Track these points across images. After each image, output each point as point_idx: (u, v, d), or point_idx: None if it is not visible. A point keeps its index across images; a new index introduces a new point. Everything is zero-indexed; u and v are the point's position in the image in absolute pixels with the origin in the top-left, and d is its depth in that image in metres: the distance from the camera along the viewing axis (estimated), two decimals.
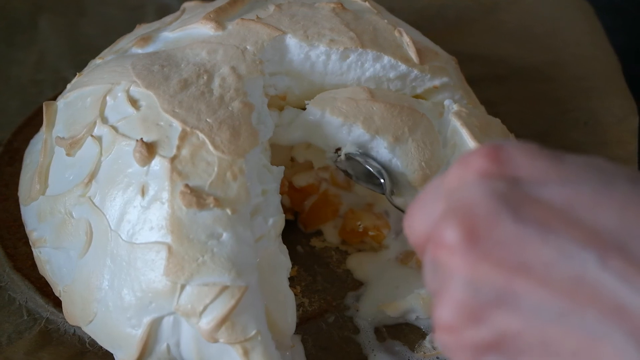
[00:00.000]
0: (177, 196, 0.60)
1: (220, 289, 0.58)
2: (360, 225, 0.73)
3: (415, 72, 0.72)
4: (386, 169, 0.66)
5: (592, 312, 0.33)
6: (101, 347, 0.66)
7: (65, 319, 0.67)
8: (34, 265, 0.71)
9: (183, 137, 0.62)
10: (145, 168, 0.62)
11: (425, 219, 0.39)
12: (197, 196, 0.59)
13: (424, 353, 0.66)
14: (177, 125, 0.62)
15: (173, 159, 0.61)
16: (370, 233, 0.73)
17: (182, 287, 0.59)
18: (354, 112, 0.67)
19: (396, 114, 0.67)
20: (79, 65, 0.80)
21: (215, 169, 0.61)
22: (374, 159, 0.67)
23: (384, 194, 0.67)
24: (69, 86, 0.73)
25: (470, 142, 0.67)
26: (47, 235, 0.67)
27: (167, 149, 0.62)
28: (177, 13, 0.78)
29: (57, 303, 0.69)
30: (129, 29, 0.82)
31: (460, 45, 0.93)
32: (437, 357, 0.66)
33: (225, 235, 0.60)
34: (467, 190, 0.36)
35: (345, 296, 0.72)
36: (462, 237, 0.35)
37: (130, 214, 0.61)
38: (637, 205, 0.34)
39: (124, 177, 0.62)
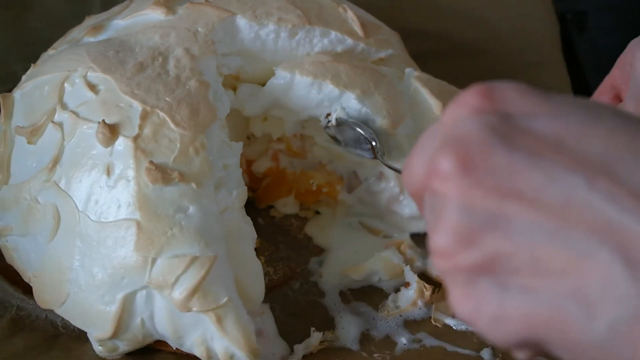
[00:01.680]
0: (142, 173, 0.62)
1: (190, 259, 0.61)
2: (313, 183, 0.77)
3: (362, 45, 0.76)
4: (366, 123, 0.70)
5: (580, 231, 0.35)
6: (74, 329, 0.68)
7: (35, 305, 0.69)
8: (1, 255, 0.73)
9: (144, 116, 0.64)
10: (109, 149, 0.64)
11: (421, 161, 0.41)
12: (162, 172, 0.62)
13: (388, 312, 0.70)
14: (137, 106, 0.65)
15: (136, 138, 0.64)
16: (324, 190, 0.77)
17: (153, 260, 0.61)
18: (322, 72, 0.71)
19: (360, 73, 0.72)
20: (28, 58, 0.81)
21: (178, 145, 0.64)
22: (365, 124, 0.70)
23: (374, 157, 0.70)
24: (24, 77, 0.74)
25: (431, 100, 0.72)
26: (13, 223, 0.69)
27: (129, 128, 0.64)
28: (126, 2, 0.80)
29: (26, 290, 0.70)
30: (76, 21, 0.84)
31: (402, 22, 0.97)
32: (400, 315, 0.70)
33: (191, 209, 0.63)
34: (461, 125, 0.39)
35: (308, 262, 0.76)
36: (457, 165, 0.37)
37: (97, 194, 0.64)
38: (623, 134, 0.37)
39: (88, 159, 0.64)
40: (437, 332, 0.69)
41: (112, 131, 0.64)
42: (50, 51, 0.76)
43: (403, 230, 0.77)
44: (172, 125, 0.64)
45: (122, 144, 0.64)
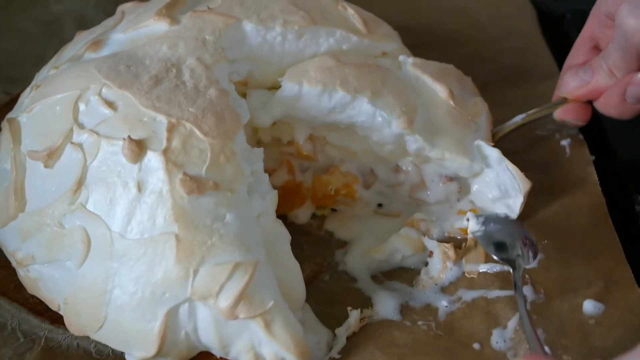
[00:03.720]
0: (176, 186, 0.67)
1: (233, 266, 0.66)
2: (331, 189, 0.83)
3: (366, 41, 0.82)
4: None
5: None
6: (109, 353, 0.72)
7: (65, 334, 0.73)
8: (17, 288, 0.76)
9: (170, 129, 0.69)
10: (137, 165, 0.68)
11: None
12: (197, 182, 0.67)
13: (423, 286, 0.76)
14: (162, 119, 0.69)
15: (165, 151, 0.68)
16: (342, 192, 0.83)
17: (195, 271, 0.66)
18: (330, 79, 0.76)
19: (366, 72, 0.78)
20: (6, 80, 0.84)
21: (209, 154, 0.68)
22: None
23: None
24: (27, 100, 0.77)
25: (434, 86, 0.79)
26: (36, 252, 0.72)
27: (156, 142, 0.68)
28: (117, 16, 0.84)
29: (53, 320, 0.74)
30: (49, 42, 0.88)
31: (377, 15, 1.03)
32: (435, 284, 0.76)
33: (228, 216, 0.67)
34: None
35: (334, 255, 0.82)
36: None
37: (130, 212, 0.68)
38: None
39: (116, 178, 0.68)
40: (473, 283, 0.76)
41: (139, 146, 0.68)
42: (52, 71, 0.79)
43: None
44: (200, 135, 0.69)
45: (151, 158, 0.68)
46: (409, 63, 0.81)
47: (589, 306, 0.71)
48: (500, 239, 0.76)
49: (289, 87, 0.77)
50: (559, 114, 0.83)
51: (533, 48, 1.05)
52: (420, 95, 0.79)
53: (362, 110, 0.77)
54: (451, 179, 0.80)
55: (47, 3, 1.09)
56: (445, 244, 0.78)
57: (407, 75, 0.80)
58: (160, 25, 0.78)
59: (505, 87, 0.98)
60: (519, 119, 0.84)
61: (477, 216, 0.77)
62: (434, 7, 1.12)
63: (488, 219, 0.77)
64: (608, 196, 0.83)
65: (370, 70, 0.78)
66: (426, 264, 0.79)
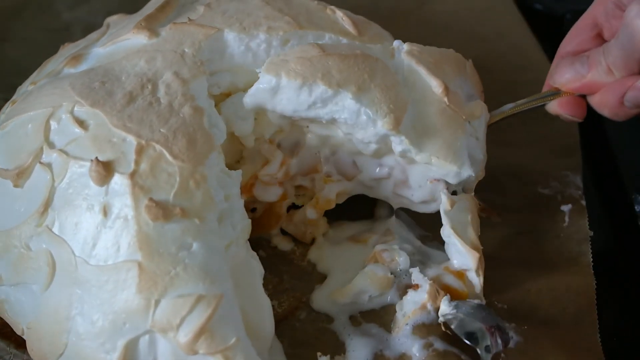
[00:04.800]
0: (142, 212, 0.65)
1: (195, 299, 0.64)
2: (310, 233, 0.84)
3: (357, 43, 0.80)
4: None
5: None
6: None
7: (30, 359, 0.71)
8: None
9: (139, 150, 0.68)
10: (104, 188, 0.67)
11: None
12: (163, 208, 0.65)
13: (398, 328, 0.74)
14: (132, 140, 0.68)
15: (133, 175, 0.67)
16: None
17: (157, 302, 0.65)
18: (310, 71, 0.74)
19: (352, 64, 0.75)
20: (8, 89, 0.86)
21: (177, 178, 0.67)
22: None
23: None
24: (3, 116, 0.77)
25: (429, 79, 0.77)
26: (3, 273, 0.72)
27: (124, 165, 0.67)
28: (102, 29, 0.85)
29: (19, 343, 0.74)
30: (56, 50, 0.88)
31: (396, 38, 1.02)
32: (407, 324, 0.74)
33: (195, 245, 0.66)
34: None
35: (313, 290, 0.80)
36: None
37: (95, 236, 0.67)
38: None
39: (83, 200, 0.68)
40: (447, 338, 0.73)
41: (106, 169, 0.67)
42: (30, 86, 0.79)
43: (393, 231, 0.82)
44: (169, 158, 0.68)
45: (118, 181, 0.67)
46: (403, 50, 0.79)
47: None
48: (469, 329, 0.72)
49: (266, 79, 0.75)
50: (553, 107, 0.79)
51: None
52: (412, 89, 0.77)
53: (346, 106, 0.74)
54: (438, 179, 0.78)
55: (58, 11, 1.10)
56: (439, 289, 0.74)
57: (400, 65, 0.78)
58: (139, 39, 0.77)
59: (520, 120, 0.95)
60: (507, 108, 0.82)
61: (450, 300, 0.74)
62: (452, 33, 1.10)
63: (459, 304, 0.74)
64: (608, 196, 0.81)
65: (356, 61, 0.75)
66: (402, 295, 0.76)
